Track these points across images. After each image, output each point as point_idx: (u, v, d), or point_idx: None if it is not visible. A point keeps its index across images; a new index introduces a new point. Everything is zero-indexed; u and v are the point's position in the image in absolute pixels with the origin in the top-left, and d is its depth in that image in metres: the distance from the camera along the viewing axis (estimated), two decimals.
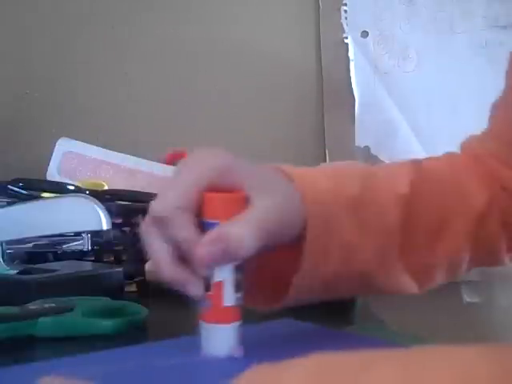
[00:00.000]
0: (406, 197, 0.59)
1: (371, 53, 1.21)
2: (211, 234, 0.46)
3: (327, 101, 1.22)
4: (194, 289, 0.48)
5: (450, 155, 0.69)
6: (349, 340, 0.54)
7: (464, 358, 0.30)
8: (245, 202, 0.48)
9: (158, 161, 1.20)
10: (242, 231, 0.46)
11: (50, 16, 1.24)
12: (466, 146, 0.71)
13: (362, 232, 0.55)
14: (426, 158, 0.68)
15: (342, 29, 1.21)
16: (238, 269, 0.48)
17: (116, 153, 1.19)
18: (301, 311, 0.61)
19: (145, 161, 1.19)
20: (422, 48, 1.21)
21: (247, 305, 0.50)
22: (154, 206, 0.48)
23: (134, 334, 0.58)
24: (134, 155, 1.19)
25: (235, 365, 0.33)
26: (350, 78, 1.21)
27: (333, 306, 0.66)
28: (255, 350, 0.48)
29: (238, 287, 0.48)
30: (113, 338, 0.56)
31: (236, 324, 0.48)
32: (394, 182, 0.59)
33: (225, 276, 0.47)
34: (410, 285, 0.60)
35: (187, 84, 1.24)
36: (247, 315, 0.50)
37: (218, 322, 0.48)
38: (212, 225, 0.47)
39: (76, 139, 1.19)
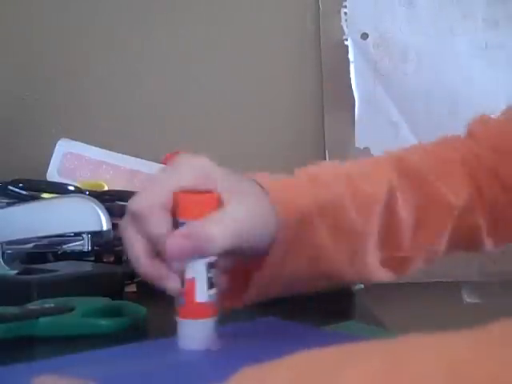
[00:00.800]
0: (382, 197, 0.61)
1: (371, 55, 1.21)
2: (182, 229, 0.49)
3: (327, 102, 1.22)
4: (169, 284, 0.49)
5: (444, 144, 0.70)
6: (335, 338, 0.54)
7: (449, 343, 0.30)
8: (217, 203, 0.50)
9: (158, 161, 1.21)
10: (212, 229, 0.48)
11: (50, 17, 1.24)
12: (476, 128, 0.71)
13: (335, 234, 0.58)
14: (411, 149, 0.69)
15: (342, 31, 1.21)
16: (211, 267, 0.50)
17: (116, 153, 1.19)
18: (299, 310, 0.61)
19: (145, 161, 1.19)
20: (422, 50, 1.21)
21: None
22: (132, 203, 0.51)
23: (133, 334, 0.58)
24: (134, 156, 1.20)
25: (230, 365, 0.33)
26: (349, 79, 1.21)
27: (331, 305, 0.66)
28: (242, 349, 0.50)
29: (211, 284, 0.50)
30: (113, 338, 0.56)
31: (209, 320, 0.50)
32: (371, 183, 0.61)
33: (197, 273, 0.49)
34: (383, 275, 0.63)
35: (187, 85, 1.24)
36: (234, 315, 0.51)
37: (191, 317, 0.50)
38: (185, 224, 0.49)
39: (76, 140, 1.19)
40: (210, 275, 0.49)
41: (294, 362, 0.32)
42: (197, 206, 0.50)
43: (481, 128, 0.71)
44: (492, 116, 0.72)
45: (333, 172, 0.62)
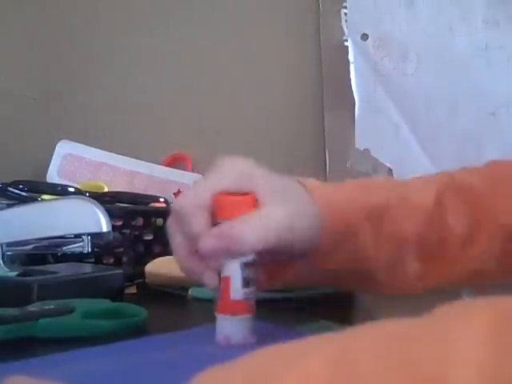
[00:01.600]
0: (429, 206, 0.60)
1: (371, 55, 1.21)
2: (215, 229, 0.51)
3: (327, 103, 1.22)
4: (207, 280, 0.52)
5: (495, 164, 0.67)
6: (298, 337, 0.53)
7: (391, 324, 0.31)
8: (255, 204, 0.52)
9: (158, 163, 1.21)
10: (242, 229, 0.50)
11: (50, 18, 1.24)
12: None
13: (377, 239, 0.58)
14: (464, 169, 0.67)
15: (342, 31, 1.21)
16: (247, 266, 0.51)
17: (116, 155, 1.19)
18: (299, 311, 0.61)
19: (145, 163, 1.19)
20: (421, 50, 1.21)
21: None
22: (175, 203, 0.54)
23: (133, 335, 0.58)
24: (133, 157, 1.20)
25: (199, 366, 0.33)
26: (349, 80, 1.21)
27: (331, 306, 0.66)
28: (214, 351, 0.50)
29: (247, 283, 0.52)
30: (112, 340, 0.56)
31: (244, 317, 0.52)
32: (418, 193, 0.61)
33: (231, 271, 0.51)
34: (421, 286, 0.62)
35: (187, 85, 1.24)
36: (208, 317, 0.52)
37: (226, 313, 0.52)
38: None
39: (76, 141, 1.19)
40: (245, 274, 0.51)
41: (250, 361, 0.33)
42: (233, 207, 0.52)
43: None
44: None
45: (382, 181, 0.63)
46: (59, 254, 0.87)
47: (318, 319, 0.62)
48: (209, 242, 0.50)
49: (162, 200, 1.07)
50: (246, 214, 0.51)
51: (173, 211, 0.54)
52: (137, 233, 0.95)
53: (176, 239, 0.53)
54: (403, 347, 0.28)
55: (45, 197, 0.99)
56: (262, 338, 0.52)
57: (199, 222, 0.51)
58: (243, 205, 0.52)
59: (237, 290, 0.51)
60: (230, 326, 0.52)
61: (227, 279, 0.51)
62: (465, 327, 0.28)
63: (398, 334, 0.30)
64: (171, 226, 0.54)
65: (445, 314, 0.30)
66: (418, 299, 0.63)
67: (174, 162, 1.22)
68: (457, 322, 0.29)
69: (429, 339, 0.28)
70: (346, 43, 1.21)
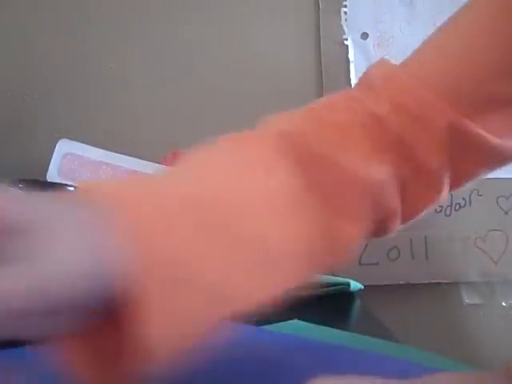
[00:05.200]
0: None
1: (371, 54, 1.21)
2: None
3: None
4: None
5: (338, 104, 0.54)
6: (270, 337, 0.52)
7: None
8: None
9: (158, 162, 1.21)
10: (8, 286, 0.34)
11: (48, 17, 1.24)
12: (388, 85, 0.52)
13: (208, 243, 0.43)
14: (303, 119, 0.54)
15: (342, 30, 1.21)
16: None
17: (116, 154, 1.19)
18: (298, 310, 0.61)
19: (145, 162, 1.19)
20: None
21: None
22: None
23: None
24: (133, 156, 1.20)
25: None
26: (349, 79, 1.21)
27: (331, 306, 0.66)
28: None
29: None
30: None
31: None
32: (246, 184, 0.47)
33: None
34: None
35: (186, 85, 1.24)
36: None
37: None
38: None
39: (76, 140, 1.19)
40: None
41: None
42: None
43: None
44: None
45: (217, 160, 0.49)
46: None
47: (293, 318, 0.61)
48: None
49: None
50: None
51: None
52: None
53: None
54: None
55: None
56: (233, 338, 0.51)
57: None
58: None
59: None
60: None
61: None
62: None
63: None
64: None
65: None
66: (419, 299, 0.63)
67: (174, 161, 1.22)
68: None
69: None
70: (346, 42, 1.21)
